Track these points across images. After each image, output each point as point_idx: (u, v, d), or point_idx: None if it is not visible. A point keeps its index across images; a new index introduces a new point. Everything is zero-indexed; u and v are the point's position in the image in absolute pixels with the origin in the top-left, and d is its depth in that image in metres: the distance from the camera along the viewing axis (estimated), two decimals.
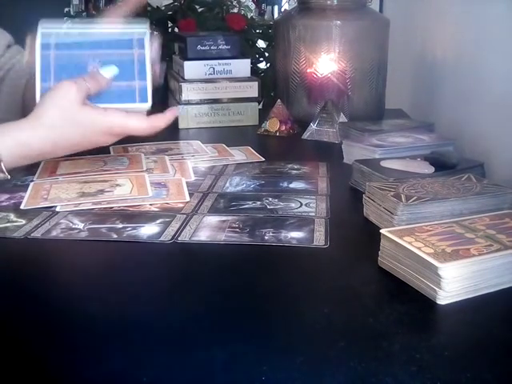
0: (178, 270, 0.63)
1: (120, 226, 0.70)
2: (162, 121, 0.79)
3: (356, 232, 0.71)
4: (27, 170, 0.85)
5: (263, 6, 4.49)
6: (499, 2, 0.96)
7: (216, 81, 1.26)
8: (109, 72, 0.79)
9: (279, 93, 1.34)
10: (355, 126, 1.07)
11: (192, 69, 1.26)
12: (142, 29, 0.82)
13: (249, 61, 1.31)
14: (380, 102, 1.31)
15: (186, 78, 1.26)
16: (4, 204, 0.77)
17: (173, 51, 1.44)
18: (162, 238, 0.67)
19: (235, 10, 2.07)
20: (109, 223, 0.71)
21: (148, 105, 0.80)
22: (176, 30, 1.86)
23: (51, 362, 0.46)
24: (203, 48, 1.27)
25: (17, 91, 0.93)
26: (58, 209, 0.75)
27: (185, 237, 0.67)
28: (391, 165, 0.82)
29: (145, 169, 0.89)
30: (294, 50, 1.26)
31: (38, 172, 0.87)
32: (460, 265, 0.52)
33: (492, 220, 0.62)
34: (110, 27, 0.81)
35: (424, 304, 0.53)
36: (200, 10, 1.93)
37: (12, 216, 0.73)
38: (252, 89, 1.26)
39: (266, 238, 0.67)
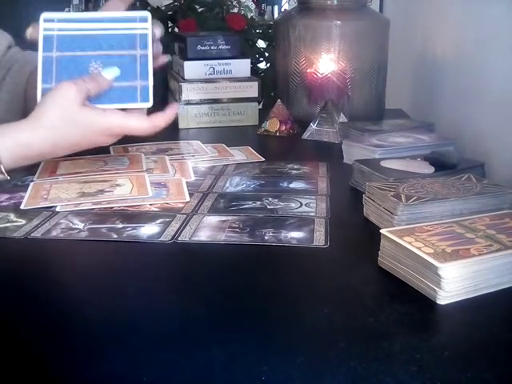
0: (177, 270, 0.63)
1: (120, 226, 0.70)
2: (162, 119, 0.79)
3: (356, 232, 0.71)
4: (27, 170, 0.85)
5: (263, 6, 4.48)
6: (499, 2, 0.96)
7: (216, 81, 1.26)
8: (110, 73, 0.79)
9: (279, 93, 1.34)
10: (355, 126, 1.07)
11: (192, 69, 1.26)
12: (144, 28, 0.81)
13: (249, 61, 1.31)
14: (380, 102, 1.31)
15: (186, 77, 1.26)
16: (4, 204, 0.77)
17: (173, 51, 1.44)
18: (162, 238, 0.67)
19: (235, 10, 2.07)
20: (109, 223, 0.71)
21: (149, 104, 0.80)
22: (176, 30, 1.85)
23: (51, 362, 0.46)
24: (203, 48, 1.27)
25: (17, 91, 0.93)
26: (58, 209, 0.75)
27: (185, 237, 0.67)
28: (391, 165, 0.82)
29: (145, 169, 0.89)
30: (294, 50, 1.26)
31: (38, 172, 0.87)
32: (460, 265, 0.52)
33: (492, 220, 0.62)
34: (111, 26, 0.81)
35: (424, 304, 0.53)
36: (200, 10, 1.93)
37: (12, 216, 0.73)
38: (252, 89, 1.26)
39: (266, 238, 0.67)
